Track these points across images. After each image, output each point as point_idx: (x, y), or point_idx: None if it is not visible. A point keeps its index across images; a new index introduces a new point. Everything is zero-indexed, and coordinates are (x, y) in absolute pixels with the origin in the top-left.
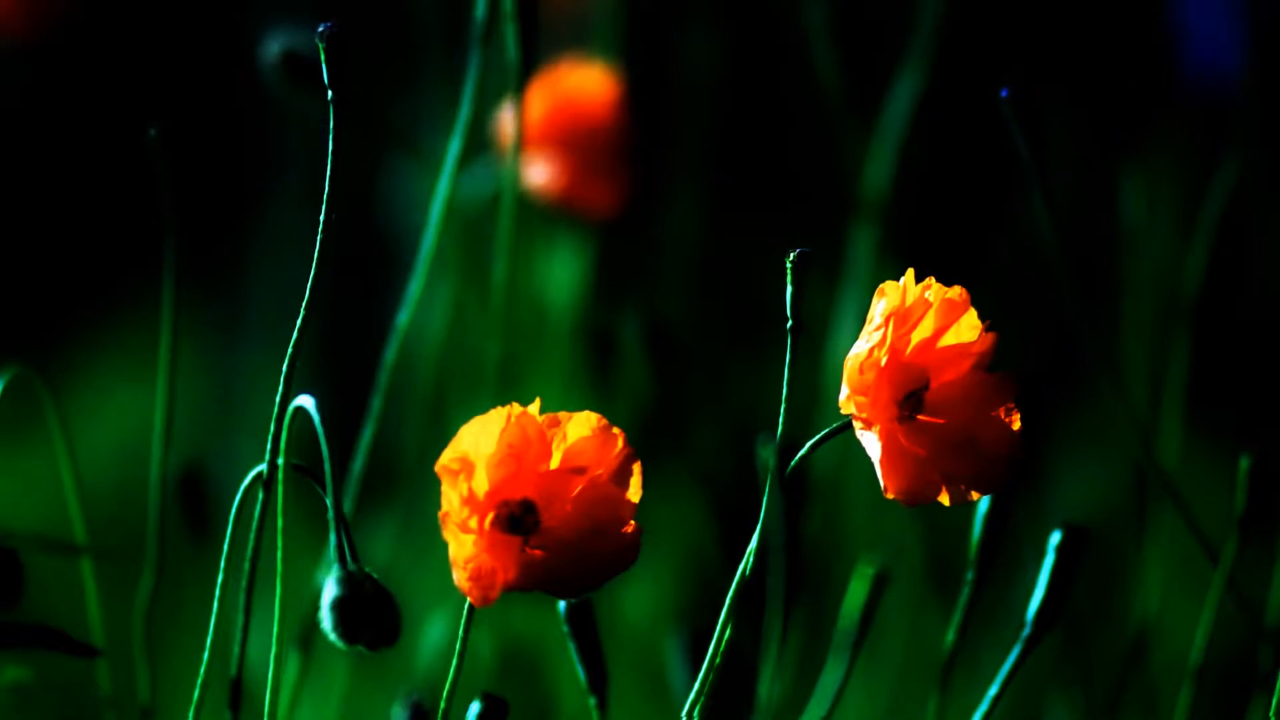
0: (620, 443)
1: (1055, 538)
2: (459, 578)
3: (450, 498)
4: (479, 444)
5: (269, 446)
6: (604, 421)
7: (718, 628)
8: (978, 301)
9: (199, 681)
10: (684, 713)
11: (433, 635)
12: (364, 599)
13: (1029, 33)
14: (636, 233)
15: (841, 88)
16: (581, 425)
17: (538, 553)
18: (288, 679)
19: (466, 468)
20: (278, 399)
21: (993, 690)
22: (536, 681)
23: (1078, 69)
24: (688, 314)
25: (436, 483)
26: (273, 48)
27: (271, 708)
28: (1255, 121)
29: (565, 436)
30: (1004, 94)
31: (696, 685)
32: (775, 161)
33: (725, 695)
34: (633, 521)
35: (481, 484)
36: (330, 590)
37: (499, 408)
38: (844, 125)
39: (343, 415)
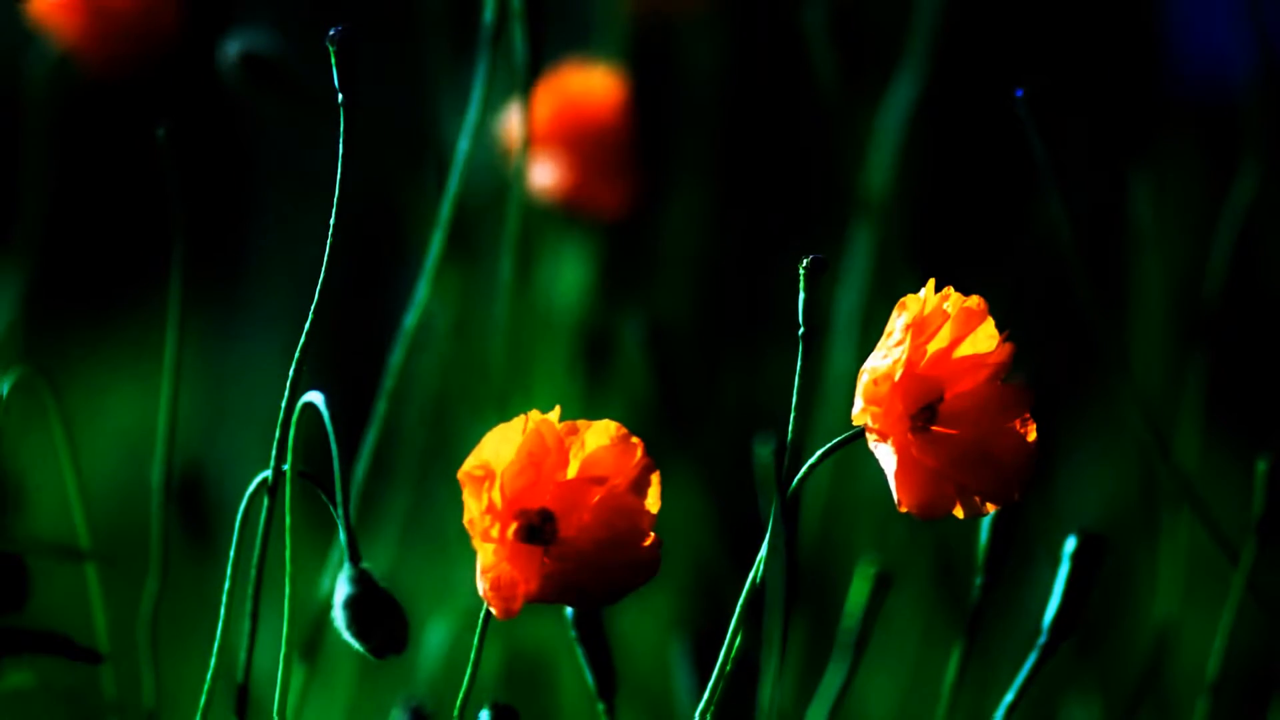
0: (639, 452)
1: (1071, 545)
2: (481, 588)
3: (471, 506)
4: (500, 452)
5: (274, 451)
6: (623, 430)
7: (728, 636)
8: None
9: (205, 686)
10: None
11: (433, 640)
12: (378, 596)
13: (1031, 34)
14: (639, 233)
15: (841, 89)
16: (600, 434)
17: (558, 564)
18: (292, 684)
19: (488, 476)
20: (283, 403)
21: (1009, 697)
22: (540, 687)
23: (1080, 71)
24: (690, 314)
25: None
26: (231, 49)
27: (281, 711)
28: (1265, 123)
29: (584, 445)
30: (1019, 94)
31: (706, 694)
32: (777, 162)
33: (733, 702)
34: (652, 534)
35: (501, 493)
36: (343, 588)
37: (520, 415)
38: (843, 126)
39: (344, 416)
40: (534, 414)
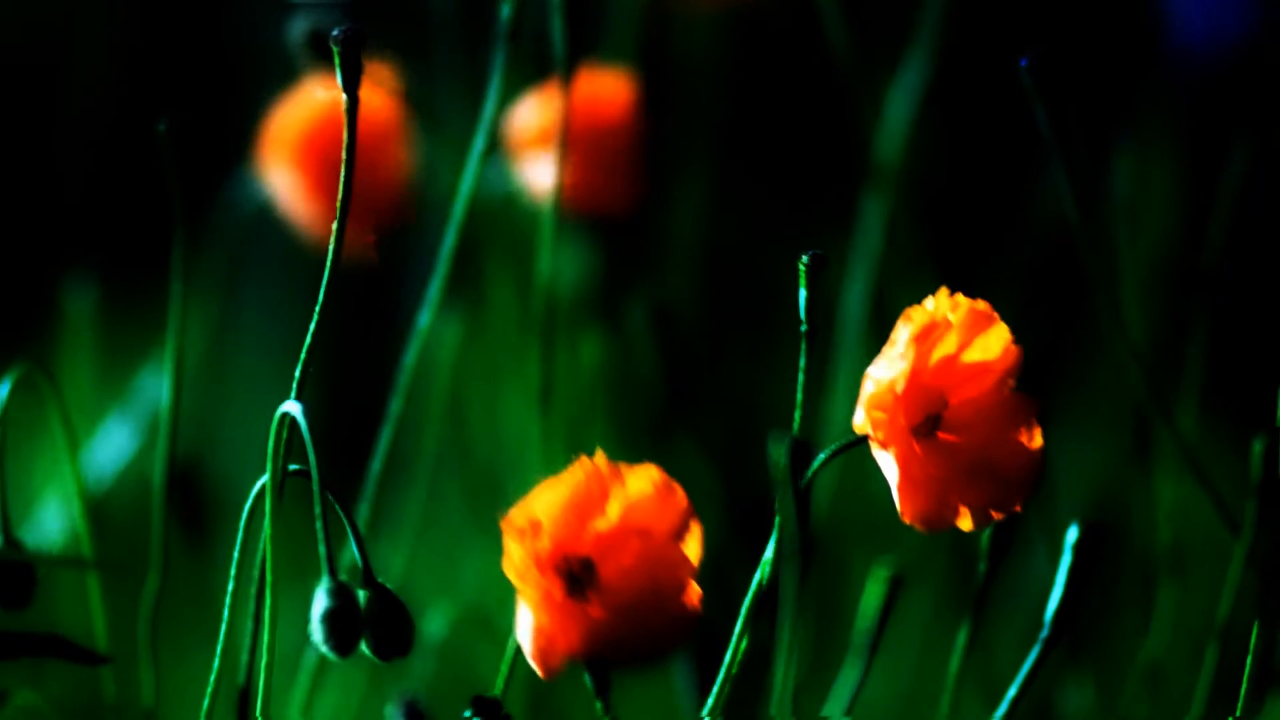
0: (682, 500)
1: (1072, 535)
2: (526, 646)
3: (514, 553)
4: (546, 502)
5: (270, 453)
6: (665, 476)
7: (733, 638)
8: (983, 290)
9: (209, 689)
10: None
11: (431, 630)
12: (354, 611)
13: (1016, 11)
14: (645, 218)
15: (850, 68)
16: (642, 480)
17: (599, 613)
18: (300, 684)
19: (534, 527)
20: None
21: (1012, 691)
22: (551, 688)
23: (1069, 44)
24: (696, 299)
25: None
26: (298, 28)
27: (265, 712)
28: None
29: (626, 491)
30: (1023, 63)
31: (713, 696)
32: (784, 143)
33: (737, 697)
34: (695, 585)
35: (544, 541)
36: (320, 602)
37: (571, 466)
38: (853, 105)
39: (361, 417)
40: (583, 460)
